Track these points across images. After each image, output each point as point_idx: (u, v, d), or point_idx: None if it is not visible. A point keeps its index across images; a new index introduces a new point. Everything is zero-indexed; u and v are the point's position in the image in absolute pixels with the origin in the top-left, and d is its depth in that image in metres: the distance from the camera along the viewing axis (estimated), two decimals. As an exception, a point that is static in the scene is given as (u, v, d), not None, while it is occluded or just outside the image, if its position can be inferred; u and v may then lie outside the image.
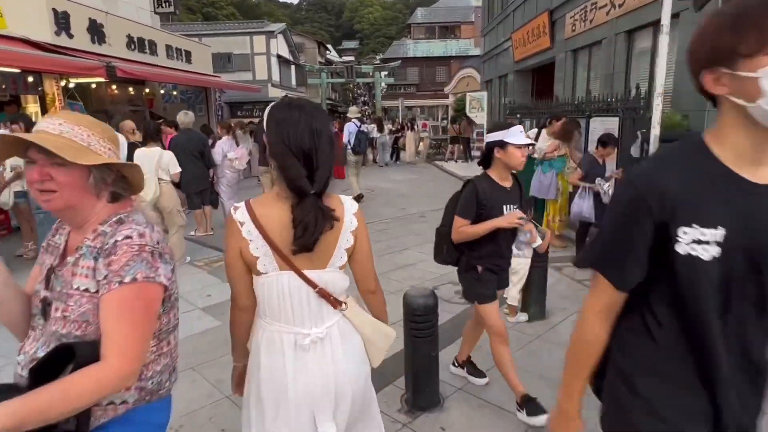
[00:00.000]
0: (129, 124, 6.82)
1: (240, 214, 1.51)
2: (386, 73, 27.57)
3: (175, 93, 14.44)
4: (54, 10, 9.06)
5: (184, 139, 6.72)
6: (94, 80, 11.92)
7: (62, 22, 9.27)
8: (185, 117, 6.89)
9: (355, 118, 11.06)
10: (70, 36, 9.43)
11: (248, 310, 1.65)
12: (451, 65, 31.97)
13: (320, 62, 33.43)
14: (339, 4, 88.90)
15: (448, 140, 18.13)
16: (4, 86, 9.11)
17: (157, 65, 12.04)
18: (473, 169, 15.01)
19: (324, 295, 1.56)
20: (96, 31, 10.17)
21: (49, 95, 9.73)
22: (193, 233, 7.03)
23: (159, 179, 5.44)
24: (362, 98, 38.63)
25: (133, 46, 11.36)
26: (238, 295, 1.62)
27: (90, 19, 9.98)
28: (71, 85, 11.43)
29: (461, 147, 16.63)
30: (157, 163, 5.40)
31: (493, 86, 18.10)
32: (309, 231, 1.43)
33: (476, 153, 16.96)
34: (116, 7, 11.96)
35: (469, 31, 32.49)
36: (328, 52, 37.26)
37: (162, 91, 14.02)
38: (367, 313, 1.77)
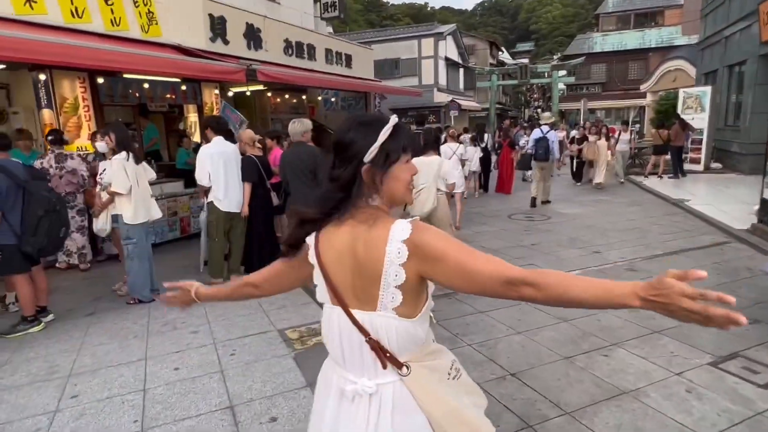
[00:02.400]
0: (248, 134, 5.61)
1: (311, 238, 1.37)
2: (564, 72, 24.01)
3: (334, 99, 13.67)
4: (210, 15, 8.58)
5: (292, 156, 5.22)
6: (253, 88, 11.62)
7: (218, 27, 8.76)
8: (298, 126, 5.37)
9: (546, 123, 10.07)
10: (226, 42, 8.89)
11: (250, 284, 1.61)
12: (650, 58, 26.74)
13: (491, 64, 30.96)
14: (515, 6, 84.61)
15: (650, 150, 13.58)
16: (169, 95, 9.03)
17: (313, 70, 11.21)
18: (687, 188, 11.29)
19: (375, 348, 1.27)
20: (253, 36, 9.57)
21: (207, 104, 9.44)
22: None
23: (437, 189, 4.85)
24: (536, 102, 35.04)
25: (290, 51, 10.64)
26: (259, 273, 1.58)
27: (247, 23, 9.41)
28: (230, 94, 11.23)
29: (670, 158, 12.39)
30: (437, 173, 4.79)
31: (718, 79, 13.76)
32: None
33: (692, 166, 12.85)
34: (278, 11, 11.45)
35: (674, 16, 26.73)
36: (500, 53, 34.49)
37: (319, 98, 13.32)
38: (447, 390, 1.34)
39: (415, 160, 4.35)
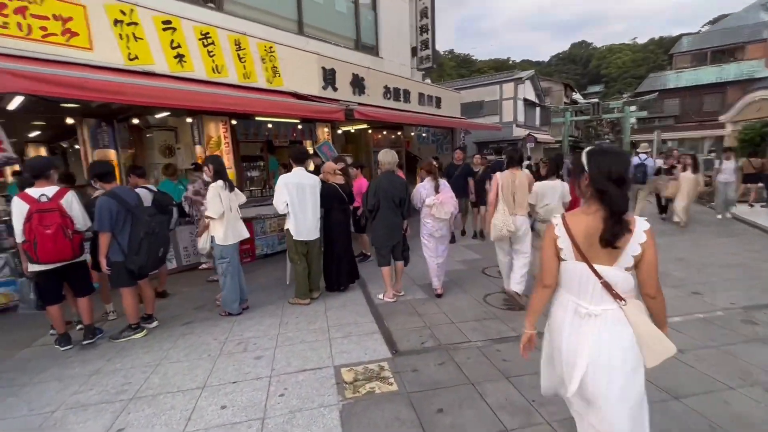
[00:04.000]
0: (329, 165, 4.72)
1: (557, 220, 1.72)
2: (635, 108, 20.30)
3: (425, 135, 12.59)
4: (323, 68, 8.04)
5: (386, 182, 4.21)
6: (357, 126, 10.99)
7: (329, 77, 8.19)
8: (389, 156, 4.35)
9: (644, 152, 8.92)
10: (335, 89, 8.28)
11: (550, 287, 1.76)
12: (727, 91, 21.67)
13: (565, 102, 27.62)
14: (587, 55, 76.54)
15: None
16: (294, 134, 8.70)
17: (407, 110, 10.28)
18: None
19: (606, 286, 1.61)
20: (357, 83, 8.87)
21: (320, 140, 8.94)
22: (381, 297, 4.46)
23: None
24: (606, 135, 30.65)
25: (388, 96, 9.79)
26: (546, 275, 1.75)
27: (353, 74, 8.73)
28: (339, 132, 10.67)
29: (763, 187, 9.25)
30: (561, 195, 4.26)
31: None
32: (613, 234, 1.53)
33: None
34: (380, 64, 10.69)
35: (758, 50, 21.40)
36: (573, 93, 30.72)
37: (412, 134, 12.32)
38: (648, 319, 1.63)
39: (544, 183, 4.23)
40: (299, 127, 8.34)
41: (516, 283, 4.13)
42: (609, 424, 1.58)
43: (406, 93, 10.39)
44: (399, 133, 12.04)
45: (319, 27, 9.51)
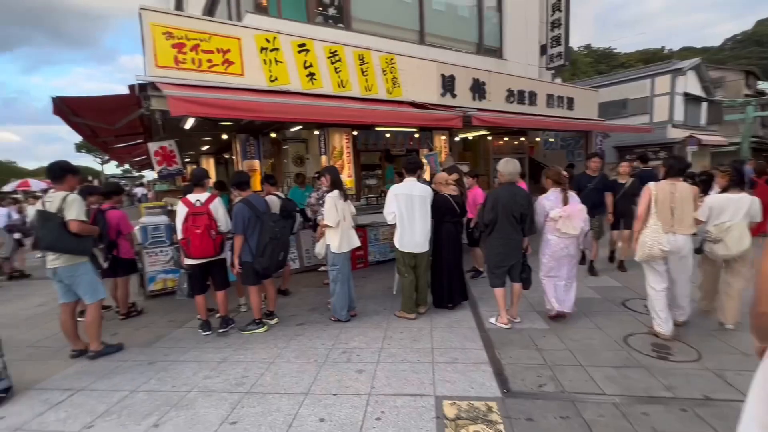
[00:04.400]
0: (441, 175, 4.47)
1: None
2: None
3: (552, 140, 11.34)
4: (442, 75, 7.89)
5: (506, 195, 3.78)
6: (475, 133, 10.47)
7: (448, 84, 7.99)
8: (511, 166, 3.91)
9: None
10: (453, 96, 8.04)
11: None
12: None
13: (746, 95, 21.94)
14: (780, 33, 59.84)
15: None
16: (411, 142, 8.77)
17: (534, 114, 9.39)
18: None
19: None
20: (478, 89, 8.45)
21: (437, 148, 8.80)
22: (493, 321, 4.01)
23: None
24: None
25: (511, 99, 9.09)
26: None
27: (474, 79, 8.35)
28: (456, 139, 10.32)
29: None
30: (747, 211, 3.55)
31: None
32: None
33: None
34: (505, 66, 10.04)
35: None
36: (758, 82, 24.16)
37: (537, 139, 11.21)
38: None
39: (722, 197, 3.58)
40: (416, 135, 8.32)
41: (680, 315, 3.66)
42: None
43: (532, 95, 9.51)
44: (522, 139, 11.11)
45: (440, 35, 9.39)
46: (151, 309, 4.92)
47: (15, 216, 7.93)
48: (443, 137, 8.75)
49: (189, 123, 6.72)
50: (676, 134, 17.63)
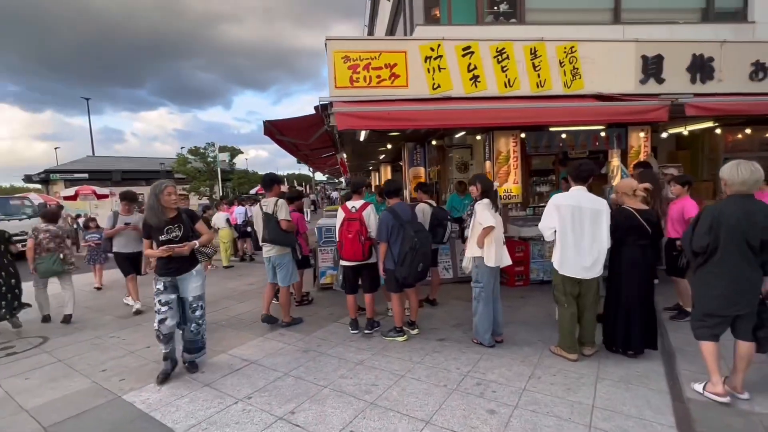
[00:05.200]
0: (626, 183, 3.39)
1: None
2: None
3: (842, 128, 7.54)
4: (644, 57, 6.30)
5: (736, 213, 2.56)
6: (695, 126, 7.89)
7: (652, 67, 6.33)
8: (746, 172, 2.64)
9: None
10: (660, 81, 6.32)
11: None
12: None
13: None
14: None
15: None
16: (596, 143, 7.35)
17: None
18: None
19: None
20: (701, 67, 6.40)
21: (633, 148, 7.11)
22: (698, 387, 2.77)
23: None
24: None
25: (759, 75, 6.51)
26: None
27: (693, 55, 6.37)
28: (663, 135, 8.05)
29: None
30: None
31: None
32: None
33: None
34: (749, 32, 7.31)
35: None
36: None
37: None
38: None
39: None
40: (602, 134, 6.88)
41: None
42: None
43: (803, 65, 6.56)
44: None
45: (644, 7, 7.54)
46: (319, 301, 5.59)
47: (249, 213, 10.46)
48: (642, 134, 6.97)
49: (362, 135, 7.40)
50: None
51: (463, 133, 7.83)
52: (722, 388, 2.69)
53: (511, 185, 6.96)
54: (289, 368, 3.46)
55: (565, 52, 6.24)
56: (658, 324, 3.48)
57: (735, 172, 2.65)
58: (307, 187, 38.99)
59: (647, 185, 3.54)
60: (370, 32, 18.41)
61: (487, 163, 7.46)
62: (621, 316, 3.34)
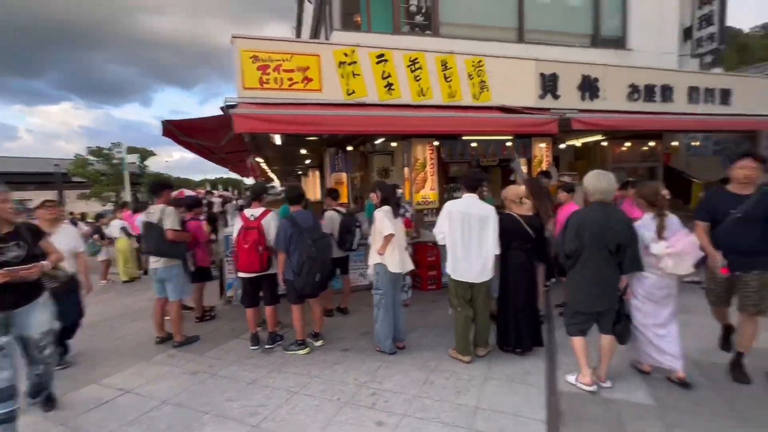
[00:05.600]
0: (512, 190, 3.60)
1: None
2: None
3: (698, 144, 8.92)
4: (542, 74, 6.84)
5: (596, 218, 2.82)
6: (588, 138, 8.82)
7: (549, 84, 6.89)
8: (604, 183, 2.92)
9: None
10: (556, 97, 6.89)
11: None
12: None
13: None
14: None
15: None
16: (504, 152, 7.84)
17: (667, 112, 7.50)
18: None
19: None
20: (588, 87, 7.11)
21: (537, 157, 7.68)
22: (572, 379, 3.01)
23: None
24: None
25: (636, 96, 7.41)
26: None
27: (583, 75, 7.06)
28: (562, 146, 8.88)
29: None
30: None
31: None
32: None
33: None
34: (629, 58, 8.32)
35: None
36: None
37: (673, 143, 8.93)
38: None
39: None
40: (508, 144, 7.37)
41: None
42: None
43: (666, 90, 7.61)
44: (653, 144, 9.02)
45: (544, 29, 8.25)
46: (224, 315, 5.19)
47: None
48: (543, 144, 7.58)
49: (278, 139, 7.12)
50: None
51: (383, 139, 7.89)
52: (590, 378, 2.93)
53: (428, 191, 7.15)
54: (170, 395, 3.11)
55: (473, 65, 6.56)
56: (549, 321, 3.72)
57: (596, 183, 2.91)
58: (236, 192, 36.99)
59: (524, 192, 3.70)
60: (298, 34, 18.04)
61: (406, 170, 7.60)
62: (511, 317, 3.52)
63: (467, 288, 3.39)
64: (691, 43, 9.13)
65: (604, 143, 8.75)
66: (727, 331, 3.31)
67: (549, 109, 6.34)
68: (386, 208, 3.65)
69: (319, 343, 3.98)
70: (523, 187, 3.69)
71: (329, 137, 7.42)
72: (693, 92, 7.78)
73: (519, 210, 3.53)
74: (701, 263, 2.92)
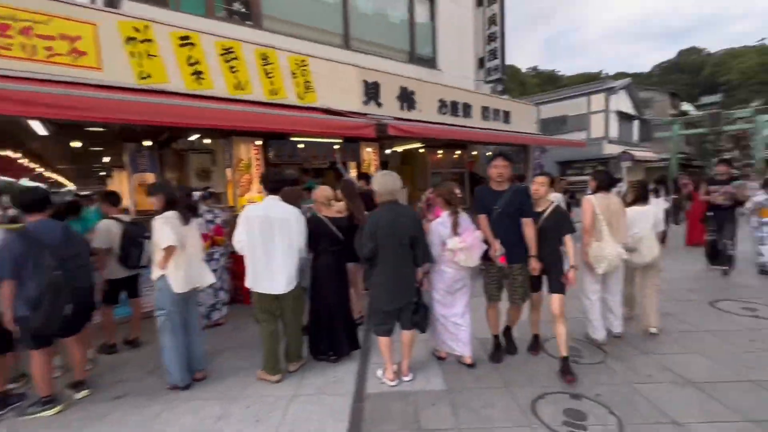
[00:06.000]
0: (322, 192, 3.50)
1: None
2: (772, 117, 15.91)
3: (490, 153, 10.86)
4: (365, 81, 7.07)
5: (388, 217, 2.86)
6: (409, 146, 9.76)
7: (371, 92, 7.18)
8: (390, 181, 2.99)
9: None
10: (379, 104, 7.23)
11: None
12: None
13: (672, 114, 23.19)
14: (699, 62, 65.65)
15: None
16: (330, 156, 7.84)
17: (469, 126, 8.84)
18: None
19: None
20: (406, 98, 7.73)
21: (365, 161, 7.94)
22: (380, 374, 3.03)
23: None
24: (729, 151, 25.00)
25: (444, 110, 8.45)
26: None
27: (401, 87, 7.62)
28: (387, 151, 9.57)
29: None
30: (654, 223, 3.87)
31: None
32: None
33: None
34: (439, 77, 9.46)
35: None
36: (682, 103, 25.76)
37: (474, 152, 10.71)
38: None
39: (632, 210, 3.83)
40: (335, 147, 7.41)
41: (618, 325, 3.75)
42: None
43: (467, 107, 8.95)
44: (459, 152, 10.54)
45: (368, 40, 8.67)
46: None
47: None
48: (370, 149, 7.92)
49: (40, 128, 5.42)
50: (611, 149, 18.05)
51: (197, 136, 6.89)
52: (392, 374, 2.98)
53: (255, 194, 6.56)
54: None
55: (297, 64, 6.32)
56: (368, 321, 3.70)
57: (382, 182, 2.97)
58: None
59: (329, 195, 3.61)
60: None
61: (228, 171, 6.83)
62: (324, 323, 3.35)
63: (273, 300, 3.06)
64: (484, 71, 11.07)
65: (422, 150, 9.76)
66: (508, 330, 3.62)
67: (370, 115, 6.59)
68: (169, 214, 3.00)
69: (82, 394, 3.00)
70: (330, 189, 3.59)
71: (122, 128, 6.05)
72: (485, 111, 9.39)
73: (328, 212, 3.40)
74: (485, 256, 3.25)
